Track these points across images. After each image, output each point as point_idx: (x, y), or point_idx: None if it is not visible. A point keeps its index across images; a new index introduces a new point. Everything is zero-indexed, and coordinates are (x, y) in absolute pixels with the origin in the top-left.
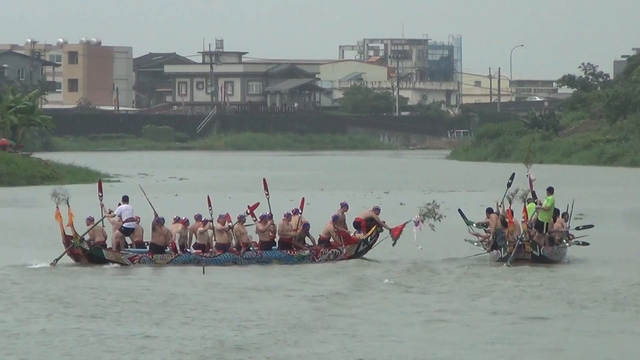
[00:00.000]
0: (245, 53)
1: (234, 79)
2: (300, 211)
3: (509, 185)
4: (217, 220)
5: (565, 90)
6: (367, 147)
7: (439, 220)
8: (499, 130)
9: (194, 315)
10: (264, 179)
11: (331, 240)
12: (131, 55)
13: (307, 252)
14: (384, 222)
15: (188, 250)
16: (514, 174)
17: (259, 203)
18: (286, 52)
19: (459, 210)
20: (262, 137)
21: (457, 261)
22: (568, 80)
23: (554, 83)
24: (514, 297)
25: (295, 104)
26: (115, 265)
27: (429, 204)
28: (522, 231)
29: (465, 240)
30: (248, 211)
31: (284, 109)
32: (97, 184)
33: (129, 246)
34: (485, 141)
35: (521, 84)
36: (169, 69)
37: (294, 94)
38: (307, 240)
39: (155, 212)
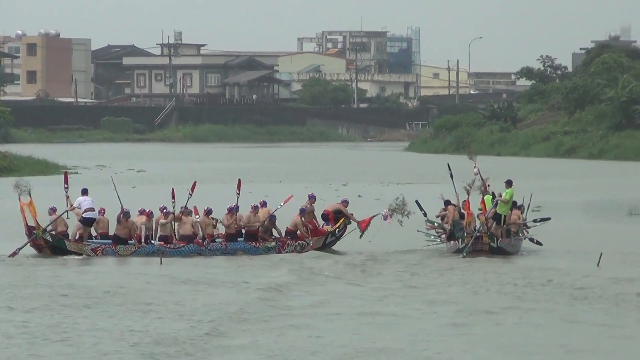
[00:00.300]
0: (203, 45)
1: (193, 70)
2: (282, 204)
3: (451, 176)
4: (180, 212)
5: (524, 83)
6: (325, 139)
7: (407, 217)
8: (458, 122)
9: (137, 307)
10: (239, 180)
11: (298, 232)
12: (90, 47)
13: (273, 243)
14: (352, 214)
15: (152, 242)
16: (448, 164)
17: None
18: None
19: (416, 202)
20: (221, 129)
21: (411, 253)
22: (526, 72)
23: (512, 75)
24: (463, 289)
25: (254, 96)
26: (78, 256)
27: (397, 198)
28: (479, 223)
29: (418, 231)
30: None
31: (243, 101)
32: (58, 176)
33: (93, 238)
34: (443, 133)
35: (480, 76)
36: (127, 61)
37: (252, 86)
38: (275, 233)
39: (121, 205)
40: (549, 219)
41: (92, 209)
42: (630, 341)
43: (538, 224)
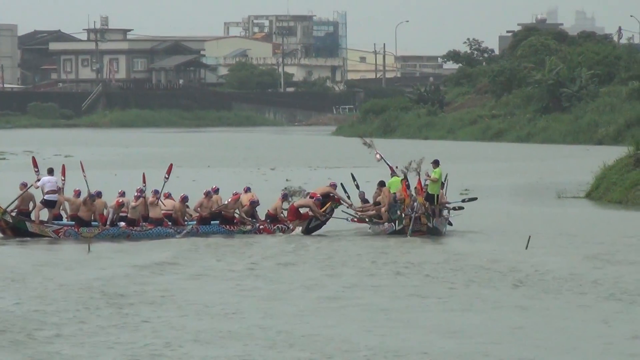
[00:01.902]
0: (130, 30)
1: (119, 56)
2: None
3: (357, 187)
4: (151, 195)
5: (451, 66)
6: (252, 124)
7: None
8: (385, 106)
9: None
10: (171, 165)
11: (278, 216)
12: (16, 33)
13: (249, 227)
14: (339, 198)
15: (117, 224)
16: (352, 175)
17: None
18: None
19: (351, 174)
20: (148, 114)
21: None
22: (453, 55)
23: (439, 58)
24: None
25: (181, 81)
26: (41, 238)
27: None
28: (417, 203)
29: (343, 212)
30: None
31: (169, 86)
32: None
33: (66, 220)
34: (370, 117)
35: (406, 59)
36: (54, 46)
37: (179, 71)
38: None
39: (88, 188)
40: (475, 198)
41: (55, 191)
42: (557, 323)
43: (465, 203)
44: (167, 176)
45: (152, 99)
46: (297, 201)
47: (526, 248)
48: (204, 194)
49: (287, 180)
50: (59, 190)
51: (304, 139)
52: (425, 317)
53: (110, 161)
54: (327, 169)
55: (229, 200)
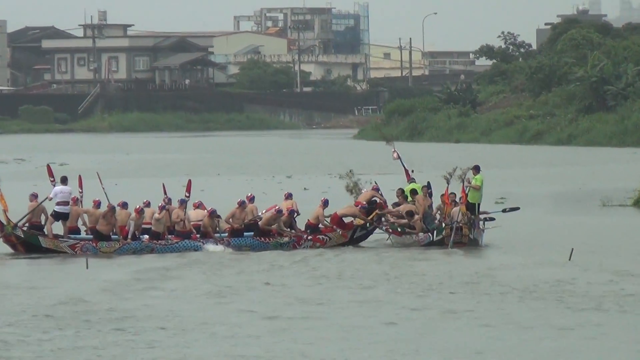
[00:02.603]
0: (130, 25)
1: (119, 54)
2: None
3: (430, 195)
4: (179, 207)
5: (484, 62)
6: (266, 127)
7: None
8: (411, 106)
9: None
10: (189, 181)
11: (321, 226)
12: (5, 29)
13: (286, 239)
14: (384, 202)
15: (140, 237)
16: (429, 182)
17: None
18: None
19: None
20: (151, 118)
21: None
22: (486, 51)
23: (470, 54)
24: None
25: (187, 81)
26: (56, 254)
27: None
28: (459, 213)
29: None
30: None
31: (174, 86)
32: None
33: (85, 233)
34: (396, 119)
35: (435, 55)
36: (47, 44)
37: (184, 70)
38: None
39: (108, 200)
40: (517, 208)
41: (67, 202)
42: (606, 341)
43: (506, 213)
44: (187, 194)
45: (156, 101)
46: (340, 209)
47: (569, 260)
48: (238, 203)
49: (304, 189)
50: (76, 202)
51: (323, 143)
52: (457, 336)
53: (109, 169)
54: (348, 177)
55: (265, 211)
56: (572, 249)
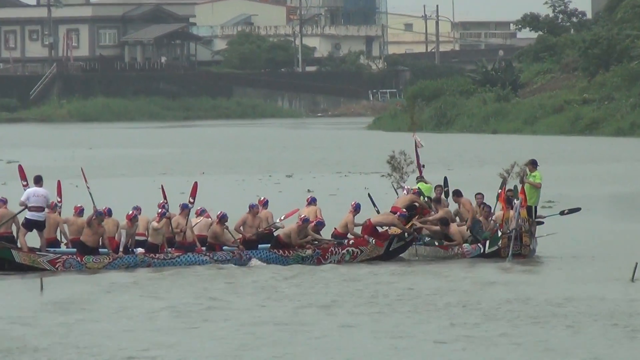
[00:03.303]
0: None
1: (80, 26)
2: (282, 219)
3: (446, 194)
4: (180, 214)
5: (527, 35)
6: (260, 115)
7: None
8: (438, 89)
9: None
10: (195, 184)
11: (350, 236)
12: None
13: (309, 251)
14: (425, 207)
15: (133, 250)
16: (369, 194)
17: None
18: None
19: (368, 195)
20: (119, 104)
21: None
22: (530, 20)
23: (511, 25)
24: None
25: (163, 59)
26: (32, 271)
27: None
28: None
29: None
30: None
31: (148, 66)
32: None
33: (64, 246)
34: (420, 105)
35: (467, 27)
36: None
37: (160, 45)
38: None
39: (94, 204)
40: (578, 209)
41: (41, 208)
42: None
43: (565, 215)
44: (192, 200)
45: (125, 84)
46: (375, 217)
47: (632, 280)
48: (249, 207)
49: (308, 191)
50: (53, 208)
51: (331, 134)
52: None
53: (67, 168)
54: (361, 175)
55: (283, 217)
56: (637, 264)
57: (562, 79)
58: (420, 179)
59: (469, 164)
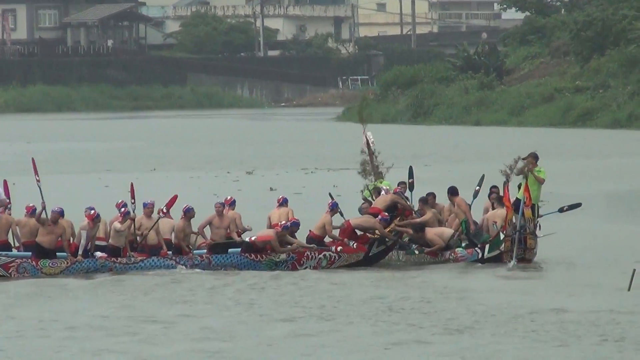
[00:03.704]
0: None
1: (17, 5)
2: (164, 210)
3: (475, 194)
4: (144, 214)
5: (513, 15)
6: (217, 105)
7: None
8: (415, 76)
9: None
10: (132, 185)
11: (326, 239)
12: None
13: (283, 256)
14: (407, 207)
15: (93, 254)
16: (483, 176)
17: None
18: None
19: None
20: (60, 92)
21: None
22: (516, 0)
23: (495, 5)
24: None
25: (110, 42)
26: None
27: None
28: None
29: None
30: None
31: (93, 50)
32: None
33: (14, 249)
34: (394, 93)
35: (446, 7)
36: None
37: (106, 27)
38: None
39: (42, 199)
40: (579, 205)
41: None
42: None
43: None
44: (132, 202)
45: (67, 70)
46: (355, 218)
47: (629, 289)
48: (216, 207)
49: (271, 189)
50: (5, 208)
51: (295, 127)
52: None
53: (3, 163)
54: (329, 172)
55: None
56: (634, 271)
57: (552, 64)
58: (380, 175)
59: (448, 159)
